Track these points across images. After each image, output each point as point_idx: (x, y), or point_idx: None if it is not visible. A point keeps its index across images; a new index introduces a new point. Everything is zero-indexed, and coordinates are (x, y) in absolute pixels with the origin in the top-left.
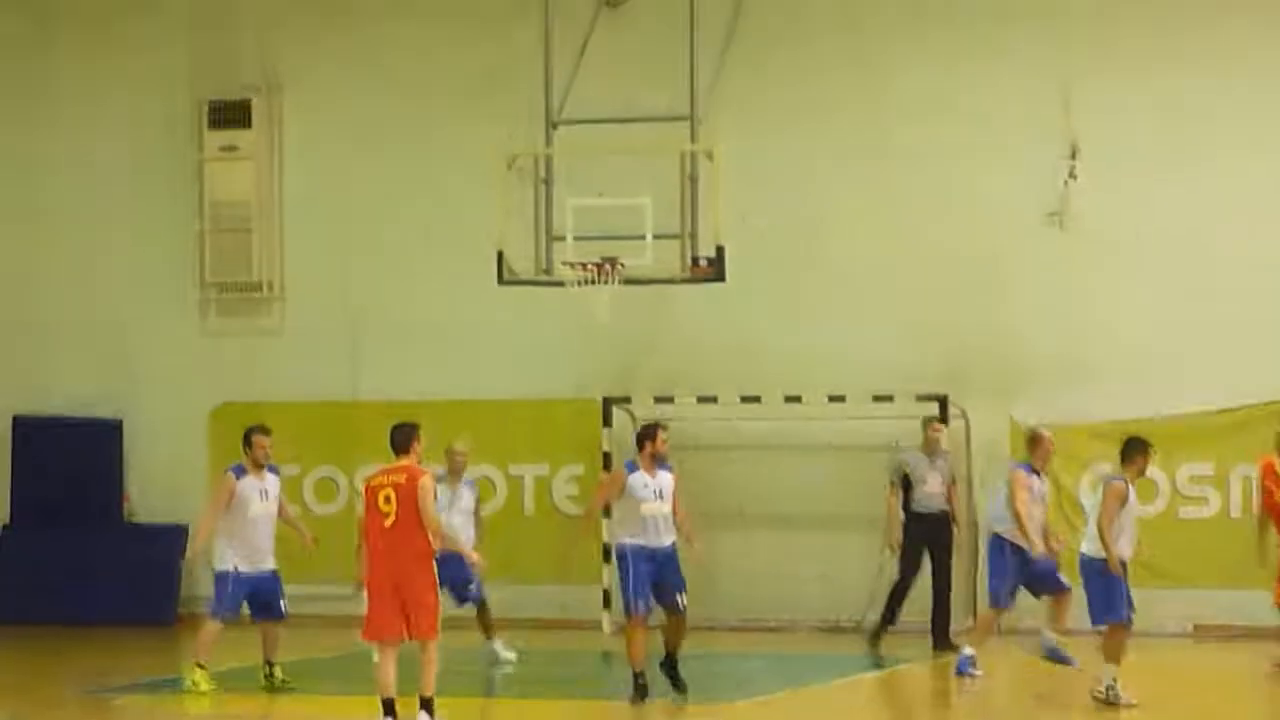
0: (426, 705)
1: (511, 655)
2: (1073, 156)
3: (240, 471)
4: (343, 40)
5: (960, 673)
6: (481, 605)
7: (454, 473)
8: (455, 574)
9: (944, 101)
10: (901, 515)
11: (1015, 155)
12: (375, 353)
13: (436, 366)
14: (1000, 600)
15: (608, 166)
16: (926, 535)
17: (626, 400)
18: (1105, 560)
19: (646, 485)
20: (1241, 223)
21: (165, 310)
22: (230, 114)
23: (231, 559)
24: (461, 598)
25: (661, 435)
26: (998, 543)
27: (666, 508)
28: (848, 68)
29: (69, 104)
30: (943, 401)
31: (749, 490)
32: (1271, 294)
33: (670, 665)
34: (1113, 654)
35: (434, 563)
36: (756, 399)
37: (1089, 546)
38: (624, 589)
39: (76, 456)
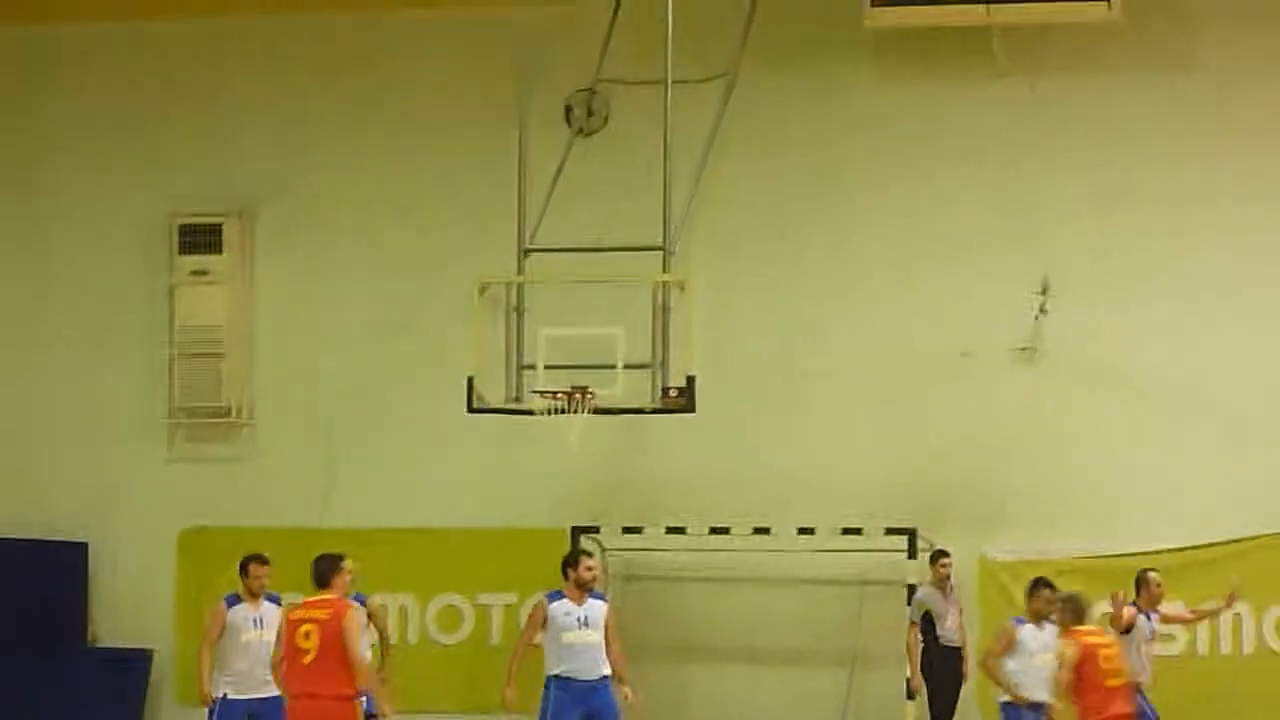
0: None
1: None
2: (1043, 291)
3: (233, 600)
4: (316, 166)
5: None
6: None
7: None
8: None
9: (916, 239)
10: (919, 651)
11: (986, 290)
12: (345, 479)
13: (406, 494)
14: None
15: (580, 296)
16: (949, 669)
17: (596, 530)
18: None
19: (569, 614)
20: (1218, 357)
21: (133, 434)
22: (202, 238)
23: (222, 686)
24: None
25: (586, 562)
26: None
27: (594, 637)
28: (821, 200)
29: (38, 222)
30: (912, 535)
31: (717, 622)
32: (1246, 429)
33: None
34: None
35: (357, 705)
36: (725, 530)
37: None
38: None
39: (40, 580)
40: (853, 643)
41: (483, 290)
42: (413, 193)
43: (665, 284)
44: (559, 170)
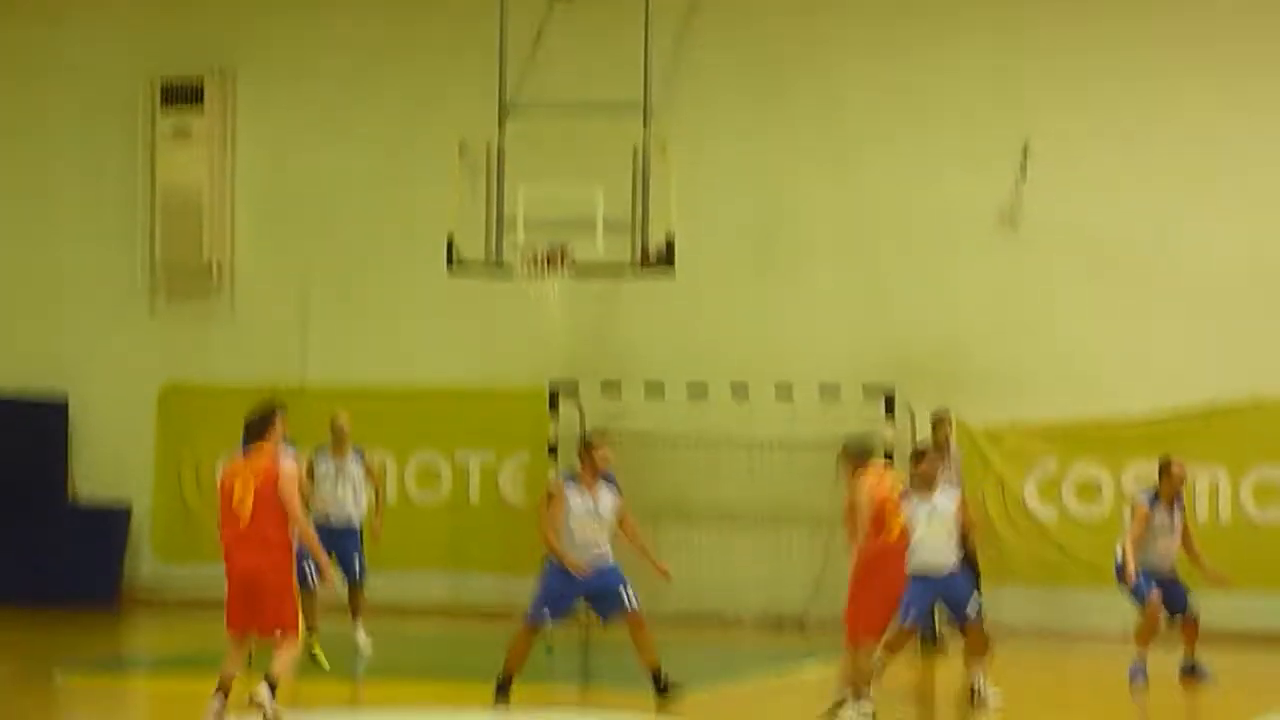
0: (271, 683)
1: (368, 649)
2: (1024, 156)
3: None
4: (297, 25)
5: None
6: (355, 586)
7: (339, 444)
8: (342, 549)
9: (898, 98)
10: None
11: (968, 154)
12: (324, 338)
13: (385, 353)
14: None
15: (560, 156)
16: None
17: (574, 389)
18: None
19: (581, 502)
20: (1194, 227)
21: (113, 293)
22: (182, 96)
23: None
24: (346, 574)
25: (602, 450)
26: None
27: (601, 527)
28: (802, 62)
29: (20, 79)
30: (889, 397)
31: (694, 481)
32: (1219, 297)
33: (654, 678)
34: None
35: (292, 557)
36: (703, 391)
37: None
38: (534, 595)
39: (20, 437)
40: (829, 504)
41: (462, 149)
42: (393, 53)
43: (645, 144)
44: (540, 29)
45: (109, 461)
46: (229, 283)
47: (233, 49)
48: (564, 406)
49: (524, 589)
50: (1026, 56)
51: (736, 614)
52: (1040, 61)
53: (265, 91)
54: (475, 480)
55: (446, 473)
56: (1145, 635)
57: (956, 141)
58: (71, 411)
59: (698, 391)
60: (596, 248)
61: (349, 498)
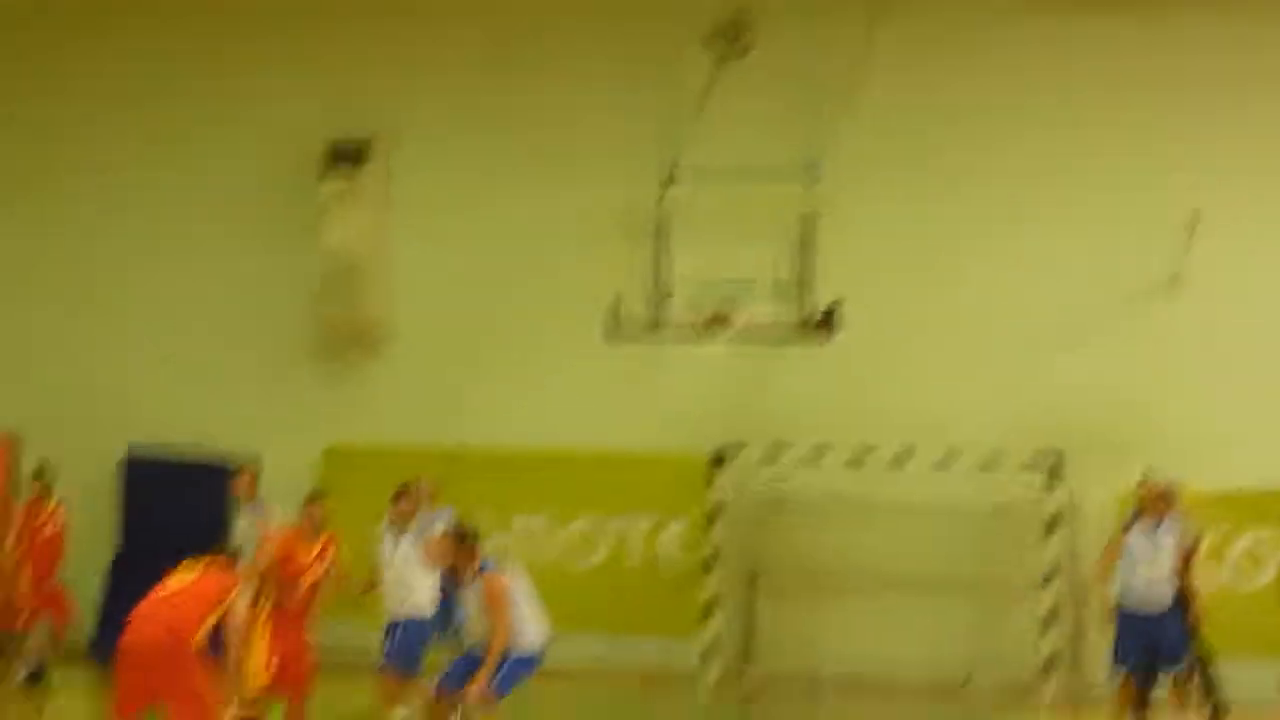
0: None
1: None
2: (1191, 225)
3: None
4: (460, 91)
5: None
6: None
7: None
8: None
9: (1064, 165)
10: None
11: (1134, 220)
12: (484, 400)
13: (543, 416)
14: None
15: (722, 221)
16: None
17: (734, 456)
18: None
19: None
20: None
21: (279, 352)
22: (348, 157)
23: None
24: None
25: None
26: None
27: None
28: (969, 130)
29: (196, 143)
30: (1054, 468)
31: (852, 550)
32: None
33: None
34: None
35: None
36: (864, 456)
37: None
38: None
39: (186, 495)
40: (988, 571)
41: (624, 215)
42: (556, 116)
43: (809, 212)
44: (704, 95)
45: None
46: (390, 344)
47: (396, 111)
48: (724, 472)
49: (683, 650)
50: (1193, 121)
51: (893, 680)
52: (1207, 127)
53: (427, 152)
54: (634, 545)
55: (606, 537)
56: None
57: (1119, 208)
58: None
59: (859, 456)
60: (758, 312)
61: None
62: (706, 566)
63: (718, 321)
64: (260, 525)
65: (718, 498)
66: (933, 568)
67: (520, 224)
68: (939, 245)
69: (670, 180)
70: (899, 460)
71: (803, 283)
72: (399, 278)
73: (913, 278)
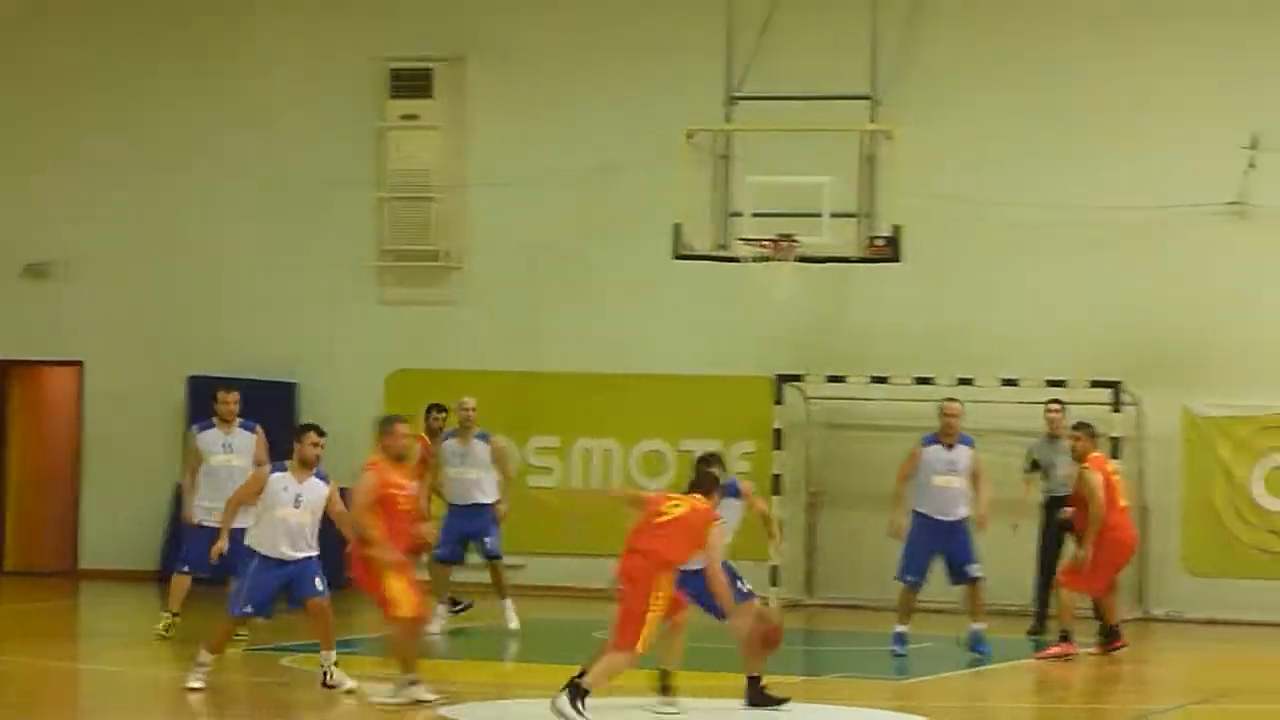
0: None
1: (514, 624)
2: (1253, 146)
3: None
4: (526, 13)
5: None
6: (495, 562)
7: (465, 428)
8: (473, 528)
9: (1127, 89)
10: (1039, 499)
11: (1197, 145)
12: (550, 324)
13: (610, 340)
14: None
15: (787, 145)
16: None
17: (799, 379)
18: None
19: (286, 489)
20: None
21: (344, 277)
22: (413, 82)
23: None
24: (482, 553)
25: (311, 438)
26: None
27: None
28: (1032, 52)
29: (253, 68)
30: (1116, 388)
31: None
32: None
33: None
34: None
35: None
36: (929, 380)
37: None
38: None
39: (251, 417)
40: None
41: (690, 137)
42: (621, 40)
43: (872, 133)
44: (767, 18)
45: (338, 446)
46: (457, 268)
47: (461, 37)
48: (789, 396)
49: (750, 572)
50: (1255, 44)
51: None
52: (1269, 50)
53: (493, 80)
54: None
55: (672, 459)
56: None
57: (1184, 130)
58: (300, 395)
59: (923, 381)
60: (823, 236)
61: (474, 482)
62: (773, 489)
63: (783, 244)
64: None
65: (783, 420)
66: (998, 492)
67: (588, 149)
68: (1002, 169)
69: (732, 104)
70: (964, 382)
71: (866, 208)
72: (465, 203)
73: (976, 201)
